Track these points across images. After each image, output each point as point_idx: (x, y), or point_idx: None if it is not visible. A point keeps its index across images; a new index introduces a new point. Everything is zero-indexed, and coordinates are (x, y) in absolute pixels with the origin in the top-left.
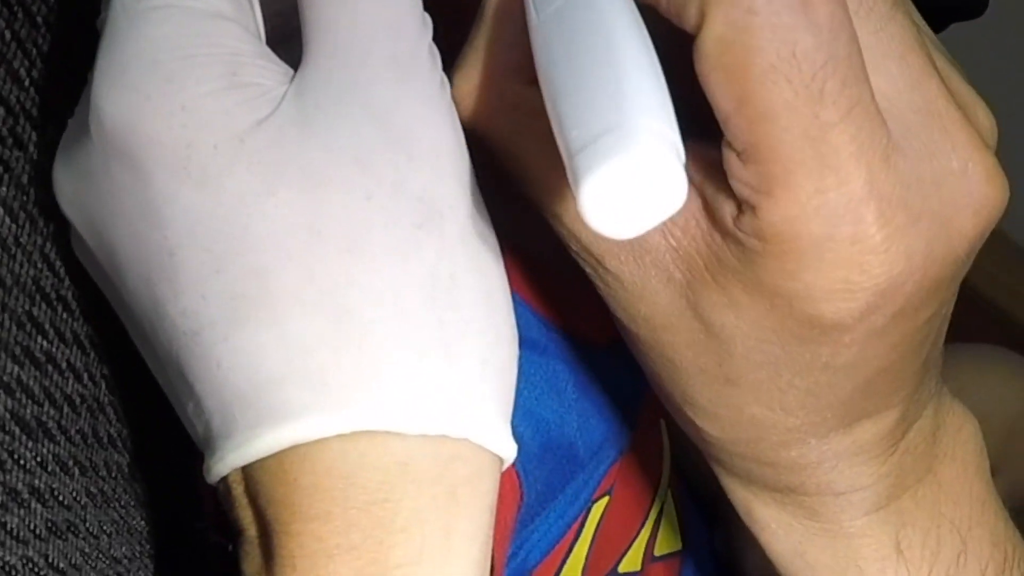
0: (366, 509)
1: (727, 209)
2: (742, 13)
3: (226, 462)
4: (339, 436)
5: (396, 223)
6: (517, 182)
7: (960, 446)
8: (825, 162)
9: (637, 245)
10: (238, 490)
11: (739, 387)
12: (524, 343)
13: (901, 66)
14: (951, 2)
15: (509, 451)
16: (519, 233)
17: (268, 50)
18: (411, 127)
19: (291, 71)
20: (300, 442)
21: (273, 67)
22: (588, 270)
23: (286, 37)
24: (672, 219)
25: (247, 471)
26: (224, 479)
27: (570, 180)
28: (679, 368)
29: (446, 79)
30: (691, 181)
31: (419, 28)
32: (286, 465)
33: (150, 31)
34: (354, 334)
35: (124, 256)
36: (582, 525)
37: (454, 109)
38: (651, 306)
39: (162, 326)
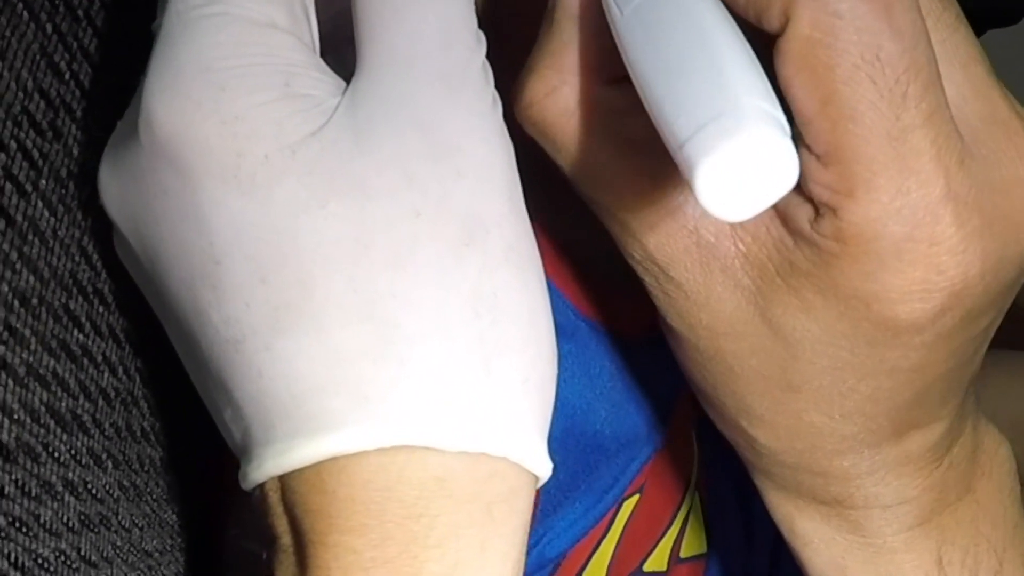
0: (402, 523)
1: (803, 213)
2: (827, 15)
3: (263, 470)
4: (378, 449)
5: (442, 238)
6: (582, 187)
7: (996, 467)
8: (906, 164)
9: (705, 252)
10: (274, 498)
11: (800, 393)
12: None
13: (966, 75)
14: (988, 9)
15: (545, 470)
16: (558, 224)
17: (321, 62)
18: (461, 142)
19: (343, 83)
20: (339, 453)
21: (326, 79)
22: (649, 279)
23: (337, 45)
24: (742, 226)
25: (284, 480)
26: (260, 486)
27: (682, 169)
28: (739, 376)
29: (497, 96)
30: None
31: (473, 44)
32: (324, 476)
33: (205, 39)
34: (396, 348)
35: (167, 260)
36: (611, 522)
37: (504, 126)
38: (714, 314)
39: (203, 332)
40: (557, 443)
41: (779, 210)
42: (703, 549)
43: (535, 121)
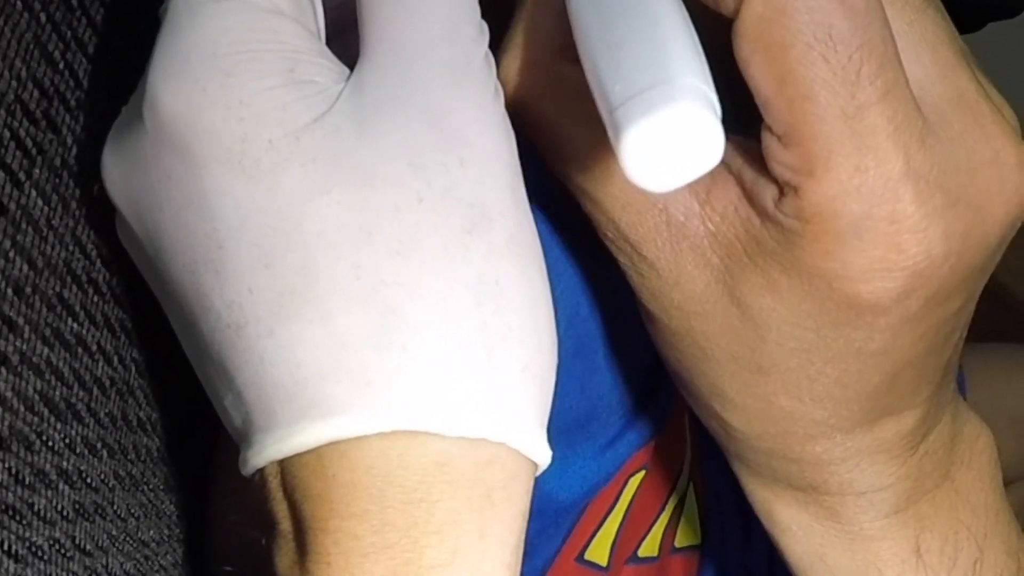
0: (403, 508)
1: (768, 193)
2: None
3: (264, 455)
4: (379, 434)
5: (446, 226)
6: (557, 166)
7: (976, 455)
8: (863, 142)
9: (675, 231)
10: (274, 484)
11: (770, 375)
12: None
13: (934, 57)
14: (988, 2)
15: (544, 457)
16: None
17: (326, 48)
18: (465, 131)
19: (347, 70)
20: (340, 438)
21: (330, 65)
22: (622, 259)
23: (341, 32)
24: (711, 205)
25: (284, 465)
26: (260, 472)
27: (610, 135)
28: (710, 357)
29: (500, 86)
30: (729, 168)
31: (476, 34)
32: (325, 461)
33: (210, 24)
34: (399, 334)
35: (170, 245)
36: (618, 495)
37: (506, 116)
38: (685, 293)
39: (205, 317)
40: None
41: (746, 189)
42: (697, 540)
43: (509, 99)
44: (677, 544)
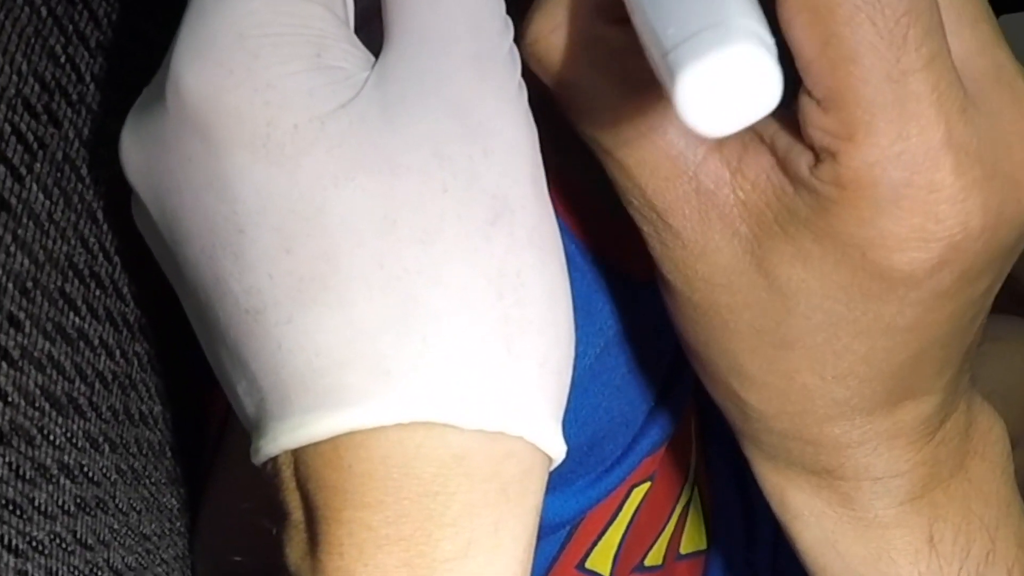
0: (418, 500)
1: (803, 160)
2: None
3: (278, 443)
4: (397, 425)
5: (469, 217)
6: (586, 129)
7: (990, 446)
8: (906, 108)
9: (704, 199)
10: (287, 473)
11: (794, 351)
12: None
13: (974, 31)
14: None
15: (559, 452)
16: (569, 164)
17: (353, 35)
18: (489, 123)
19: (372, 57)
20: (357, 428)
21: (356, 52)
22: (647, 227)
23: (368, 20)
24: (742, 174)
25: (298, 454)
26: (273, 460)
27: (663, 79)
28: (733, 331)
29: (523, 81)
30: (761, 137)
31: (501, 28)
32: (341, 451)
33: (238, 6)
34: (419, 324)
35: (188, 229)
36: (620, 506)
37: (529, 110)
38: (711, 264)
39: (222, 302)
40: None
41: (779, 157)
42: (703, 546)
43: (539, 57)
44: (682, 551)
